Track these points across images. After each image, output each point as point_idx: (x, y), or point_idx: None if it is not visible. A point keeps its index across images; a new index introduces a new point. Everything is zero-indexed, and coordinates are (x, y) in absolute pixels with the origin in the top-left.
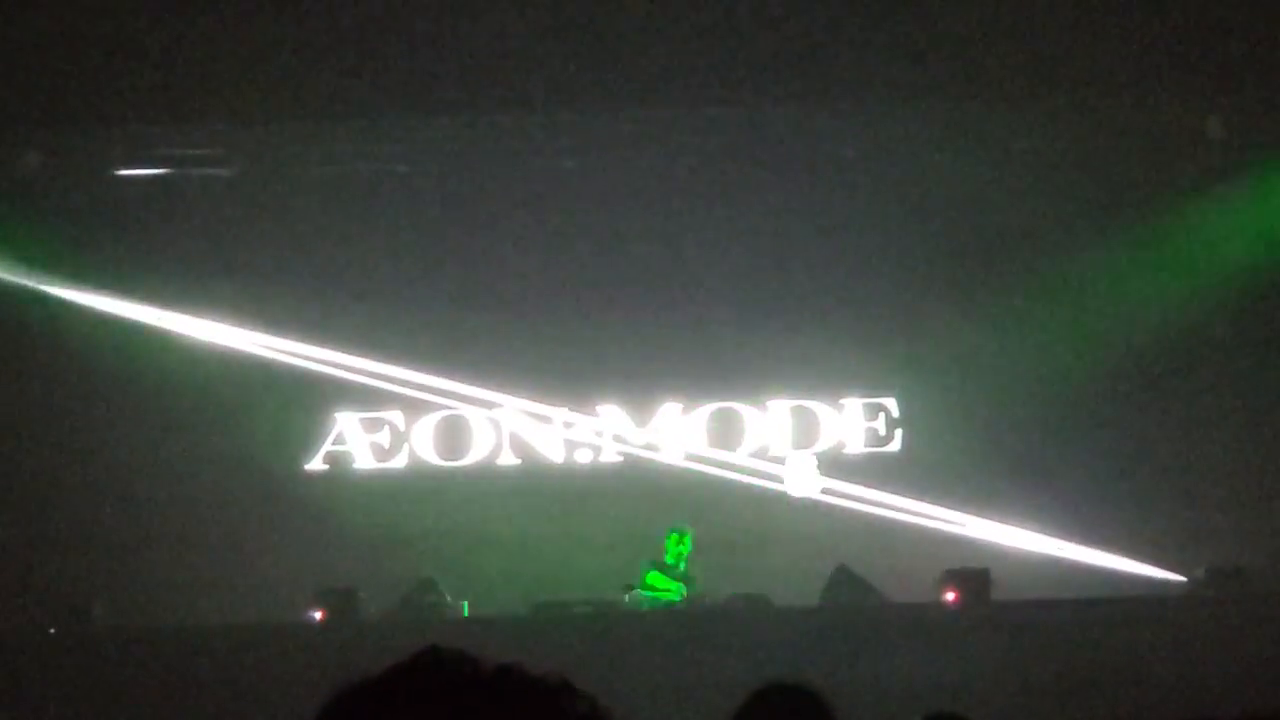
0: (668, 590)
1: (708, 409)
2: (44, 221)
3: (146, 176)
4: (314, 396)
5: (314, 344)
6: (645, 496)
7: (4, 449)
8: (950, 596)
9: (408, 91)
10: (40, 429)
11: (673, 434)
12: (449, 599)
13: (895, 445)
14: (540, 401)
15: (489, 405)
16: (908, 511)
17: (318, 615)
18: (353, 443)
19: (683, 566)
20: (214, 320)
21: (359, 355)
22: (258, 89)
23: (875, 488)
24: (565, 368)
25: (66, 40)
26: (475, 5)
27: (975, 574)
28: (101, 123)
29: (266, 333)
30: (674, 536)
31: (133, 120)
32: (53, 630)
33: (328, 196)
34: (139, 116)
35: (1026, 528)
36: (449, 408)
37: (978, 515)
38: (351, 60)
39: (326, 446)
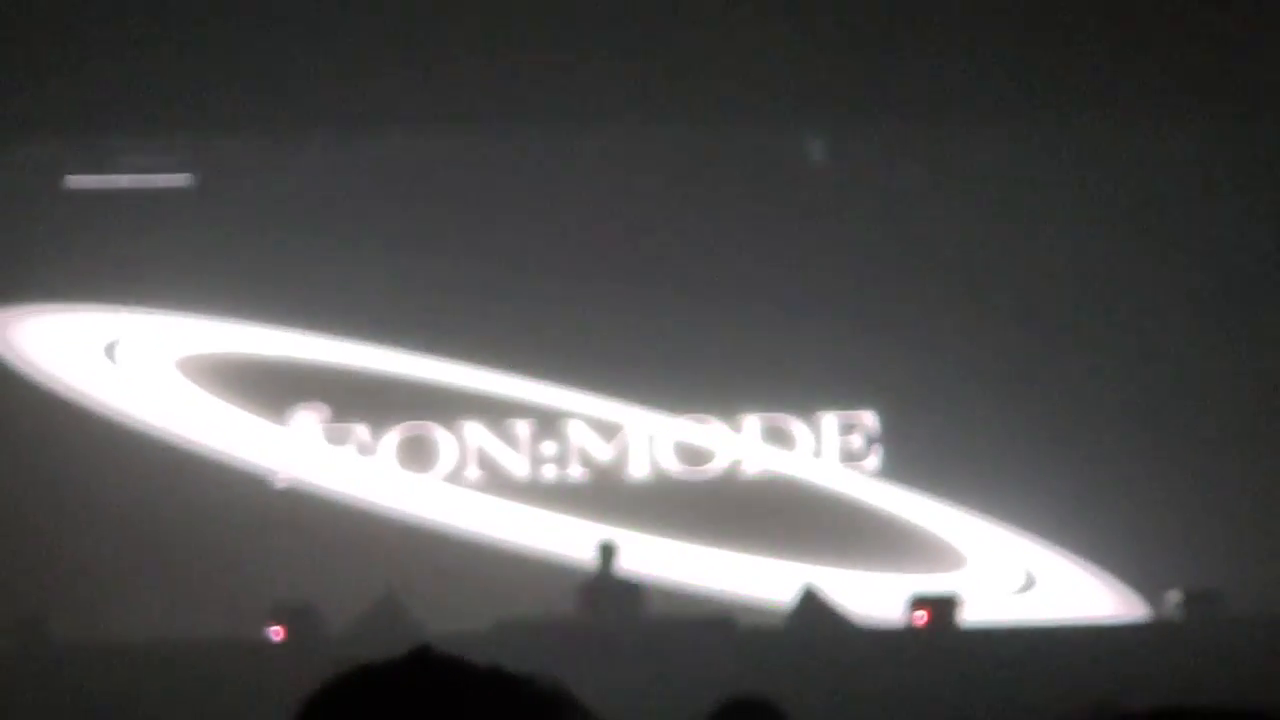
0: None
1: (678, 422)
2: None
3: (101, 186)
4: (276, 411)
5: (276, 356)
6: (610, 512)
7: None
8: (919, 621)
9: (370, 104)
10: None
11: (641, 448)
12: (412, 614)
13: (872, 460)
14: (506, 416)
15: (454, 419)
16: (880, 531)
17: (277, 630)
18: (316, 457)
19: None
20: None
21: (322, 366)
22: (217, 98)
23: (849, 504)
24: (533, 381)
25: (16, 47)
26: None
27: (944, 599)
28: (53, 131)
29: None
30: (605, 550)
31: (86, 128)
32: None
33: (291, 208)
34: (91, 124)
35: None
36: (414, 421)
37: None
38: (315, 70)
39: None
